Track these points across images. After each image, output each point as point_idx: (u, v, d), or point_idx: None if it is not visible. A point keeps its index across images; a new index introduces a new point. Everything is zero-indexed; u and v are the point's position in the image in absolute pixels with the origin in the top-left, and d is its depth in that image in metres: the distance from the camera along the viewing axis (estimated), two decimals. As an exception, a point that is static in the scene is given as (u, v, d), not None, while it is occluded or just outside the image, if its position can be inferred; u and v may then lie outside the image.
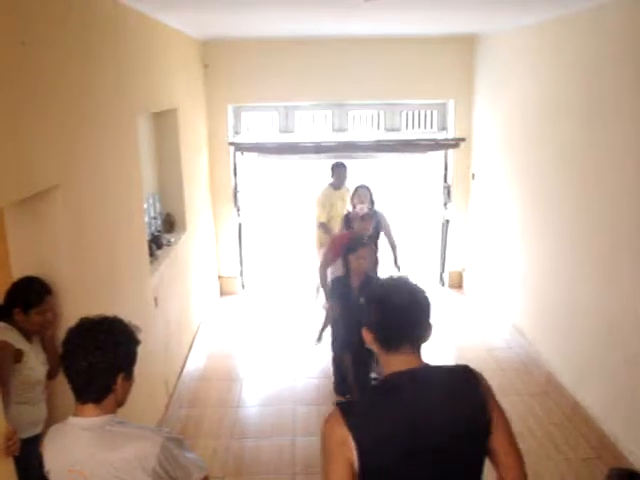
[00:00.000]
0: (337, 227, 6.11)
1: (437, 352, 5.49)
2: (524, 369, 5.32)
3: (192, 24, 5.38)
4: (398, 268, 5.90)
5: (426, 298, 1.84)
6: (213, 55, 6.69)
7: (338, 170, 6.45)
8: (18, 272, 2.83)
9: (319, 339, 4.92)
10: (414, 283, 1.87)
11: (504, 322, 6.12)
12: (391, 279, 1.94)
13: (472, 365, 1.91)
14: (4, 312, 2.77)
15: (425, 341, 1.84)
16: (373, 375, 4.35)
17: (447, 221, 7.40)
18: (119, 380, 1.88)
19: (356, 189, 5.96)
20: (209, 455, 4.20)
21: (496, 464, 1.84)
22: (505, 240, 6.11)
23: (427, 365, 1.84)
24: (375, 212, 5.64)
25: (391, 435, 1.73)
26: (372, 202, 5.86)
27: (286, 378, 5.33)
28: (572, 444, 4.23)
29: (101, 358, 1.82)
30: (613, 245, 4.04)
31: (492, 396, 1.83)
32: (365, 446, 1.69)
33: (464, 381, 1.84)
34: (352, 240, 4.50)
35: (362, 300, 1.98)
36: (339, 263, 4.59)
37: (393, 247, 5.96)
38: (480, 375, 1.86)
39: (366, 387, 4.13)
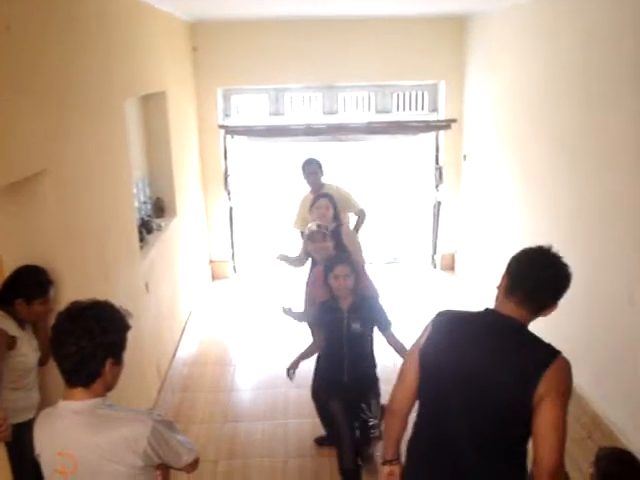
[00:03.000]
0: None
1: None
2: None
3: (180, 5, 5.30)
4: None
5: (560, 275, 2.02)
6: (202, 37, 6.60)
7: (308, 169, 5.15)
8: (7, 259, 2.80)
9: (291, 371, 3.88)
10: (559, 258, 2.04)
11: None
12: (543, 247, 2.07)
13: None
14: (1, 299, 2.75)
15: (540, 307, 2.06)
16: (371, 422, 3.51)
17: (439, 203, 7.39)
18: (107, 365, 1.87)
19: (314, 200, 4.61)
20: (202, 439, 4.22)
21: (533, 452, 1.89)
22: (497, 222, 6.11)
23: (521, 322, 2.04)
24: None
25: (447, 348, 2.04)
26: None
27: (278, 362, 5.32)
28: (563, 424, 4.26)
29: (89, 343, 1.81)
30: (608, 227, 4.04)
31: (553, 383, 1.90)
32: (427, 345, 2.09)
33: (537, 353, 1.99)
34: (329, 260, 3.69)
35: None
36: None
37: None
38: (560, 361, 1.98)
39: (364, 442, 3.58)
